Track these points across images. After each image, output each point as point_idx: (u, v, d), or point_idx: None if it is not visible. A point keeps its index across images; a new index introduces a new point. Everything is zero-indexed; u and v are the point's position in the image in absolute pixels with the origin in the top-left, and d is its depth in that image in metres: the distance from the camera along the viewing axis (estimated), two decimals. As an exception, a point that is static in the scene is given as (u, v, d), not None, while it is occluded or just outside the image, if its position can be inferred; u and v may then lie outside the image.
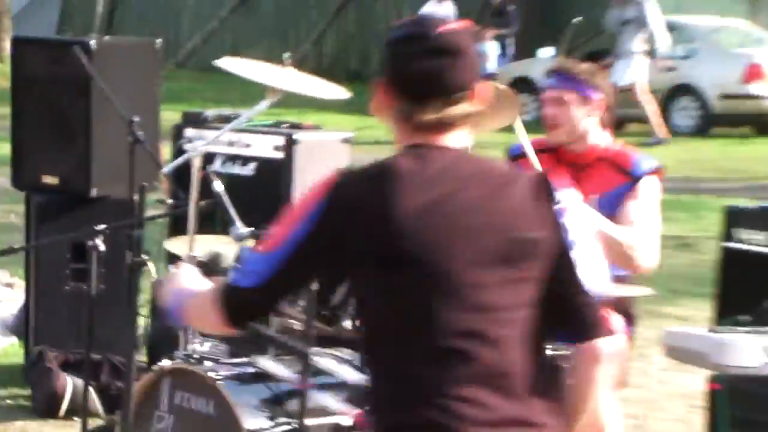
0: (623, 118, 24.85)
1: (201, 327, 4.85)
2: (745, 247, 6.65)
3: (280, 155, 8.15)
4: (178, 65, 38.91)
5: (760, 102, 27.94)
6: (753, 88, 27.73)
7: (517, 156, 6.57)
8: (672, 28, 28.21)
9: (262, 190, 8.06)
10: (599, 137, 6.52)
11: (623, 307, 6.04)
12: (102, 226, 6.27)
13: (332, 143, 8.38)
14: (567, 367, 4.68)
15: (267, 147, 8.17)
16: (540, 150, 6.50)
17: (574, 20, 30.34)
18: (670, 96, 28.72)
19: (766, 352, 4.56)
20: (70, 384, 7.82)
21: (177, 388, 6.00)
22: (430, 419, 3.50)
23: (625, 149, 6.74)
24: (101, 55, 8.28)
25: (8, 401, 9.15)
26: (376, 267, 3.53)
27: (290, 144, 8.03)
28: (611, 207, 6.32)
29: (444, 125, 3.61)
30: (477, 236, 3.55)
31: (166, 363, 6.28)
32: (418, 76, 3.58)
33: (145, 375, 6.37)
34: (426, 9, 30.19)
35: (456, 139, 3.69)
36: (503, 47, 32.02)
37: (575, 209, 3.92)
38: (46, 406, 8.41)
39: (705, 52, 28.89)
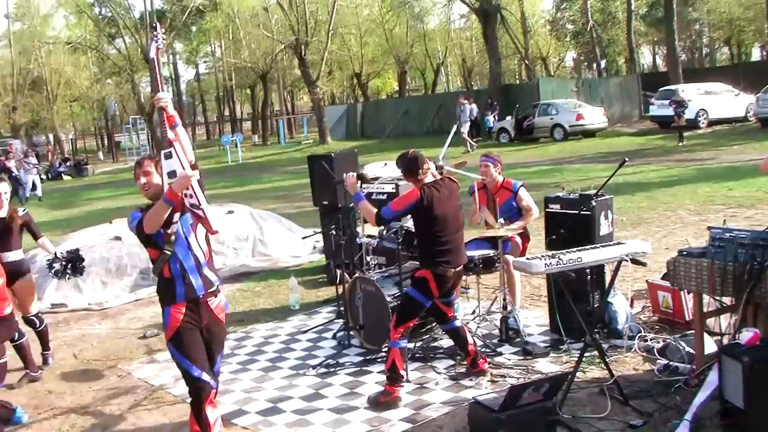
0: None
1: (365, 216, 6.45)
2: (551, 210, 7.67)
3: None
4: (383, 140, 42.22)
5: (585, 127, 34.37)
6: (581, 122, 34.27)
7: (472, 192, 8.08)
8: (549, 104, 35.78)
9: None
10: (500, 178, 8.27)
11: (525, 232, 8.22)
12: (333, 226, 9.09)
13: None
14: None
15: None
16: (481, 186, 8.14)
17: (517, 105, 35.99)
18: (552, 128, 34.90)
19: (546, 266, 5.37)
20: (338, 273, 8.99)
21: (362, 283, 7.73)
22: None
23: (509, 180, 8.31)
24: (338, 158, 10.37)
25: (320, 279, 11.23)
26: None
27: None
28: (509, 207, 8.12)
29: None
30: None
31: (358, 273, 8.13)
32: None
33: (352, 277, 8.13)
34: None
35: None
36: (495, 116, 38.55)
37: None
38: (330, 281, 10.50)
39: (563, 111, 34.88)
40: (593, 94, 39.96)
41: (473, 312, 8.28)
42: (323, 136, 45.85)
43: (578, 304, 6.67)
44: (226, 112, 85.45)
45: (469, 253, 7.54)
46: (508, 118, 36.88)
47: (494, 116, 38.53)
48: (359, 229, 8.81)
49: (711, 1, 61.64)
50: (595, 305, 7.17)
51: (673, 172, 19.80)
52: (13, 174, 29.41)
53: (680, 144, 26.95)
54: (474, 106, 38.31)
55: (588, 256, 5.62)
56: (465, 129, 33.39)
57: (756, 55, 73.01)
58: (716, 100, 32.56)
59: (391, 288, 7.51)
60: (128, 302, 10.97)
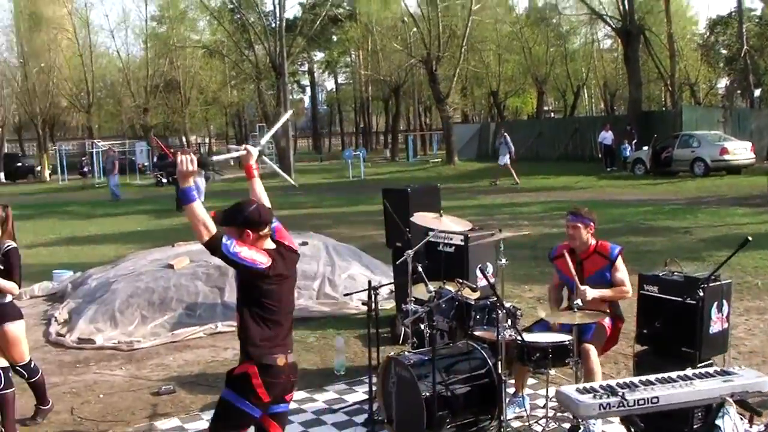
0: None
1: (192, 223, 4.17)
2: (646, 292, 5.99)
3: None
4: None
5: (729, 162, 31.46)
6: (725, 157, 31.43)
7: (553, 257, 6.81)
8: (691, 136, 33.08)
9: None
10: (592, 240, 6.53)
11: (616, 311, 6.54)
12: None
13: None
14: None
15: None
16: (569, 250, 6.58)
17: (655, 135, 34.17)
18: (693, 161, 32.12)
19: (600, 407, 3.59)
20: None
21: (396, 366, 6.14)
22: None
23: (605, 244, 6.62)
24: (415, 193, 9.15)
25: (384, 335, 8.67)
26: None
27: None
28: (601, 279, 6.37)
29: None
30: None
31: (391, 353, 6.56)
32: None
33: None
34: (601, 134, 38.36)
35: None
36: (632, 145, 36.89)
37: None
38: (394, 339, 8.87)
39: (705, 144, 32.18)
40: (742, 126, 37.21)
41: (543, 406, 6.52)
42: (450, 156, 44.53)
43: (674, 423, 4.92)
44: (363, 124, 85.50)
45: (535, 338, 5.86)
46: (645, 148, 34.59)
47: (631, 145, 36.25)
48: (409, 290, 7.05)
49: None
50: (695, 426, 5.35)
51: (829, 222, 17.25)
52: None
53: None
54: (610, 133, 36.56)
55: (669, 395, 3.80)
56: (503, 161, 33.30)
57: None
58: None
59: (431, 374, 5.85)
60: (163, 342, 9.69)
